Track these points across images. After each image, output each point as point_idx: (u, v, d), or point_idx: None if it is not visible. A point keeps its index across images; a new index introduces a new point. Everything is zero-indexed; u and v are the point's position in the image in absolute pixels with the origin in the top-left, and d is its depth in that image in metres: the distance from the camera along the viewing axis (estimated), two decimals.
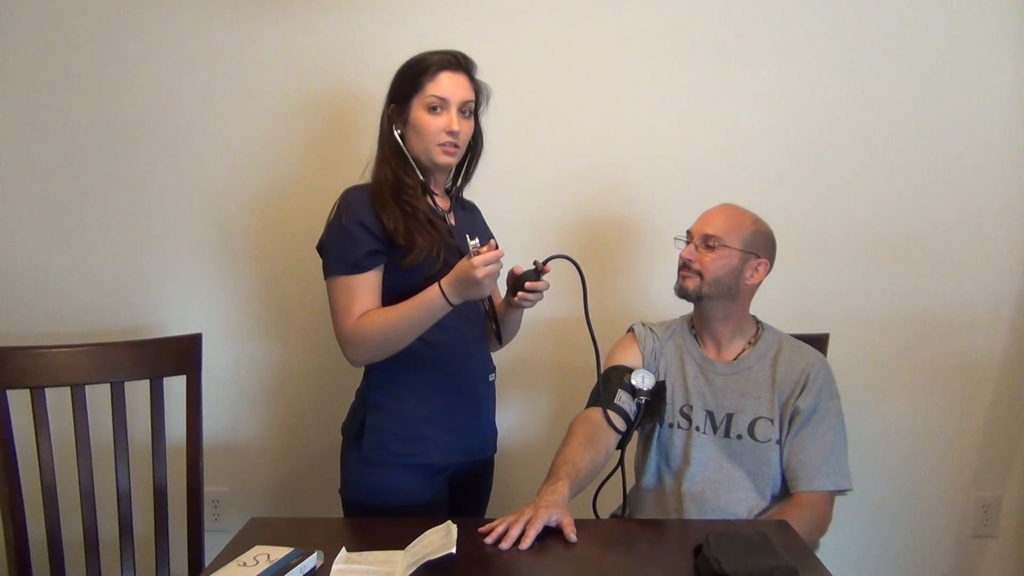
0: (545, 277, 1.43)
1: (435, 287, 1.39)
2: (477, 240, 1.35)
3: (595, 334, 1.45)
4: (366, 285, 1.46)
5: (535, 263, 1.43)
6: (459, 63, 1.50)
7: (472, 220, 1.66)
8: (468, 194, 1.68)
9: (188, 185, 2.05)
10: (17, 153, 2.04)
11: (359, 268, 1.45)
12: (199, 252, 2.07)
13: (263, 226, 2.06)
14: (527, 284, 1.42)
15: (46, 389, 1.58)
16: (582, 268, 1.42)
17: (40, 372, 1.58)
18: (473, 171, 1.62)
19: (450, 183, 1.63)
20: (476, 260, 1.33)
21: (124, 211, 2.06)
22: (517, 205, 2.03)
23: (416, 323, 1.42)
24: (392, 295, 1.47)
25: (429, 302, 1.40)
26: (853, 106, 2.01)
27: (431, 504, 1.51)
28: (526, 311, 1.54)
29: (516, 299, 1.46)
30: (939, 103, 2.00)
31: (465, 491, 1.62)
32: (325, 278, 1.49)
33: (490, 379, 1.62)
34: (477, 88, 1.53)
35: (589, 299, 1.44)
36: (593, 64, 2.02)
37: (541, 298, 1.46)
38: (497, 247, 1.36)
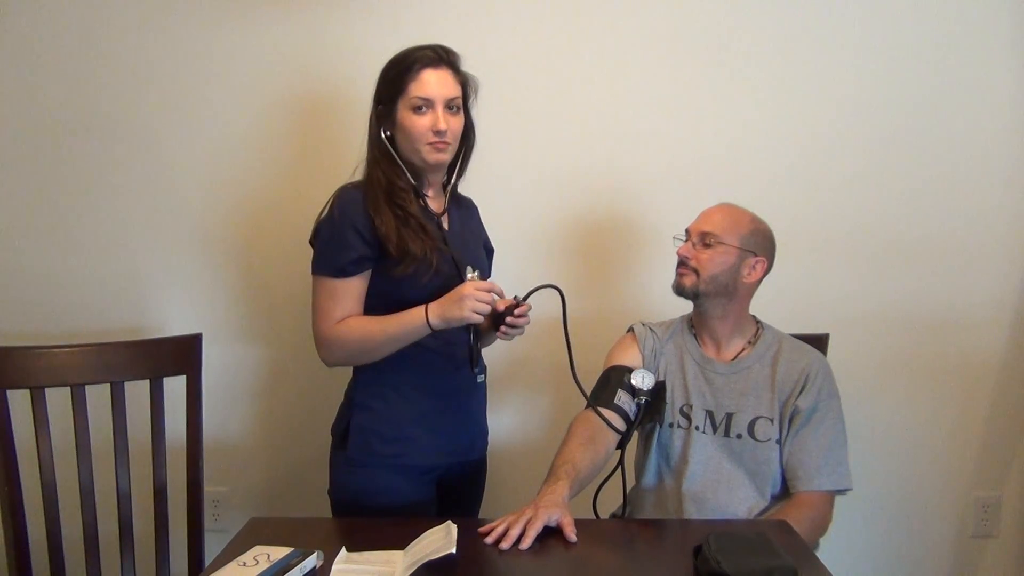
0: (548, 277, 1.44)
1: (421, 308, 1.40)
2: (476, 271, 1.40)
3: (571, 344, 1.46)
4: (349, 290, 1.45)
5: (515, 298, 1.43)
6: (441, 58, 1.46)
7: (468, 219, 1.64)
8: (467, 193, 1.68)
9: (187, 185, 2.05)
10: (15, 153, 2.04)
11: (343, 273, 1.44)
12: (199, 252, 2.07)
13: (262, 226, 2.06)
14: (508, 319, 1.42)
15: (46, 389, 1.58)
16: (563, 293, 1.43)
17: (40, 372, 1.58)
18: (467, 165, 1.60)
19: (445, 178, 1.59)
20: (470, 283, 1.37)
21: (123, 211, 2.06)
22: (517, 205, 2.03)
23: (395, 339, 1.43)
24: (382, 299, 1.46)
25: (410, 321, 1.41)
26: (853, 106, 2.01)
27: (418, 505, 1.51)
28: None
29: (500, 333, 1.45)
30: (939, 104, 2.00)
31: (457, 492, 1.61)
32: (312, 272, 1.49)
33: (479, 380, 1.61)
34: (463, 81, 1.50)
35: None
36: (592, 63, 2.02)
37: (521, 332, 1.45)
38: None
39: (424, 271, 1.44)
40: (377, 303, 1.47)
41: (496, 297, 1.41)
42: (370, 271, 1.47)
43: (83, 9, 2.00)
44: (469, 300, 1.36)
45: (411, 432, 1.51)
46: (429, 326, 1.40)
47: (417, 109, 1.45)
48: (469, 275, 1.39)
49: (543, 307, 1.48)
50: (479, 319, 1.39)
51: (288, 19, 2.00)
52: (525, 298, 1.42)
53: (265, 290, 2.09)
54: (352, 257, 1.44)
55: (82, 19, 2.00)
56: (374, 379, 1.51)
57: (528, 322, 1.44)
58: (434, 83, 1.45)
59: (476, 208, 1.69)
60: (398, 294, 1.45)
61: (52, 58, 2.01)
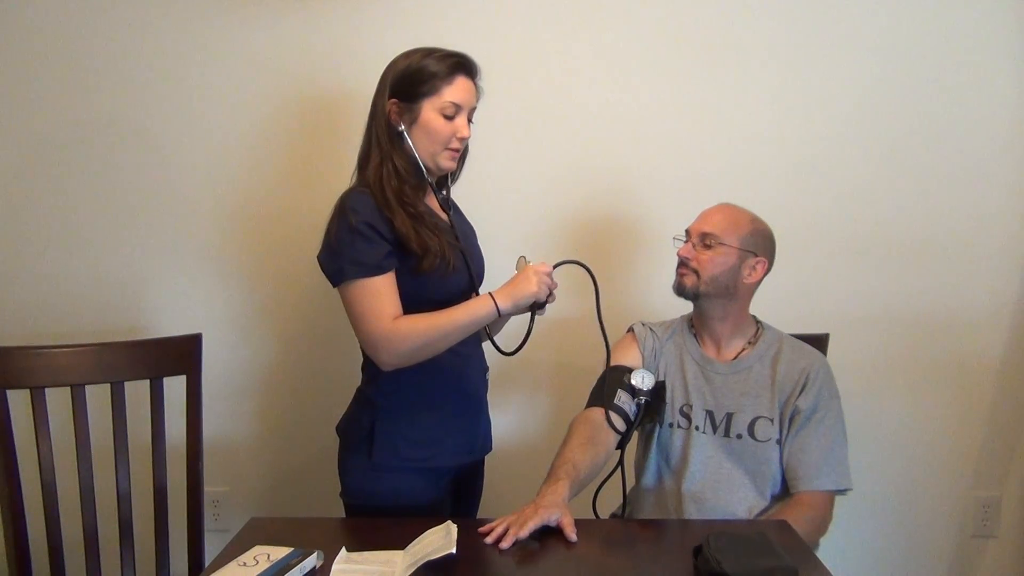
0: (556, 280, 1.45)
1: (484, 297, 1.41)
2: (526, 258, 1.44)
3: (607, 333, 1.46)
4: (390, 285, 1.42)
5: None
6: (472, 68, 1.49)
7: (462, 220, 1.64)
8: (467, 194, 1.68)
9: (187, 185, 2.05)
10: (15, 154, 2.04)
11: (381, 269, 1.41)
12: (199, 252, 2.08)
13: (262, 226, 2.06)
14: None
15: (46, 389, 1.58)
16: (594, 273, 1.43)
17: (40, 372, 1.58)
18: (460, 174, 1.60)
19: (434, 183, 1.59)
20: (529, 267, 1.41)
21: (123, 211, 2.06)
22: (516, 206, 2.03)
23: (465, 327, 1.42)
24: (409, 301, 1.43)
25: (477, 308, 1.41)
26: (854, 107, 2.01)
27: (436, 505, 1.51)
28: None
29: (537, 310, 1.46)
30: (940, 104, 2.00)
31: (463, 489, 1.62)
32: (340, 283, 1.43)
33: (486, 377, 1.63)
34: (478, 93, 1.52)
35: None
36: (593, 63, 2.02)
37: (553, 301, 1.47)
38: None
39: (444, 268, 1.44)
40: (405, 307, 1.44)
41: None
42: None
43: (81, 10, 2.00)
44: (535, 276, 1.41)
45: (437, 434, 1.51)
46: (498, 312, 1.40)
47: (447, 113, 1.45)
48: (530, 261, 1.43)
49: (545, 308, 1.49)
50: (546, 293, 1.43)
51: (290, 20, 2.00)
52: (554, 267, 1.45)
53: (265, 290, 2.09)
54: (383, 252, 1.41)
55: (81, 20, 2.00)
56: (395, 382, 1.49)
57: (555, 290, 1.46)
58: (468, 91, 1.47)
59: (459, 208, 1.68)
60: (424, 295, 1.44)
61: (51, 59, 2.01)
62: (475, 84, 1.49)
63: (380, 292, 1.40)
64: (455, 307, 1.41)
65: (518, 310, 1.43)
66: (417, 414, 1.50)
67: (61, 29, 2.00)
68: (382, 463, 1.48)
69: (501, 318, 1.43)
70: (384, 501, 1.49)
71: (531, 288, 1.41)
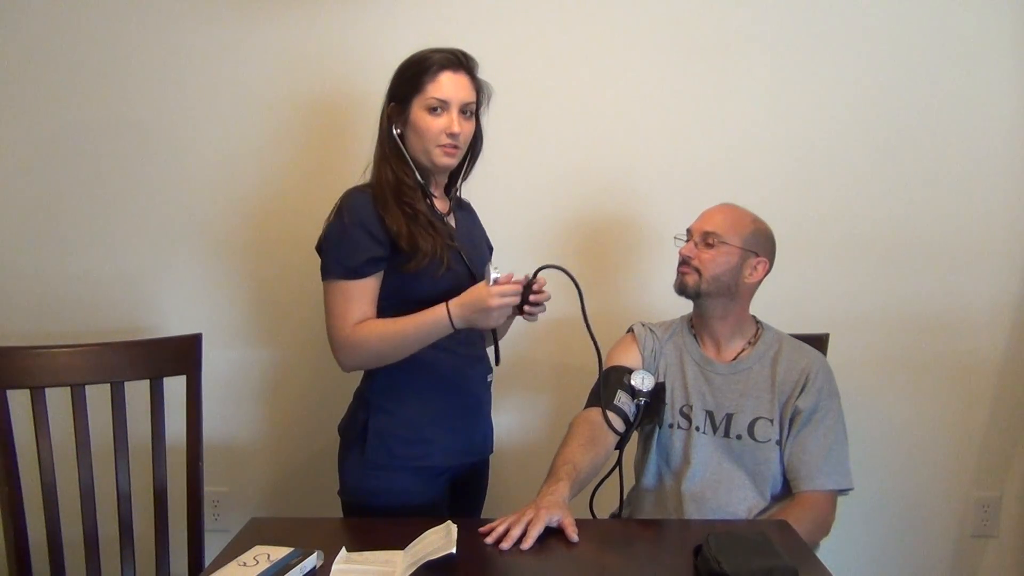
0: (548, 281, 1.42)
1: (442, 308, 1.39)
2: (498, 269, 1.35)
3: (595, 335, 1.45)
4: (363, 291, 1.44)
5: (526, 276, 1.40)
6: (460, 62, 1.48)
7: (470, 221, 1.65)
8: (467, 194, 1.68)
9: (188, 185, 2.05)
10: (16, 152, 2.04)
11: (357, 274, 1.44)
12: (199, 253, 2.07)
13: (262, 226, 2.06)
14: (530, 299, 1.39)
15: (46, 389, 1.58)
16: (574, 276, 1.40)
17: (40, 372, 1.58)
18: (471, 171, 1.61)
19: (446, 182, 1.61)
20: (494, 289, 1.34)
21: (124, 211, 2.06)
22: (517, 205, 2.03)
23: (415, 341, 1.42)
24: (395, 298, 1.46)
25: (432, 322, 1.40)
26: (854, 107, 2.01)
27: (432, 505, 1.51)
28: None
29: (525, 316, 1.42)
30: (939, 105, 2.00)
31: (464, 490, 1.62)
32: (322, 279, 1.48)
33: (488, 380, 1.62)
34: (478, 87, 1.51)
35: (590, 300, 1.44)
36: (594, 63, 2.02)
37: (544, 309, 1.43)
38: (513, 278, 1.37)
39: (436, 267, 1.44)
40: (390, 303, 1.46)
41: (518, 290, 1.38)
42: (382, 272, 1.46)
43: (83, 8, 2.00)
44: (495, 312, 1.36)
45: (430, 433, 1.51)
46: (453, 327, 1.39)
47: (432, 110, 1.45)
48: (493, 274, 1.35)
49: (546, 307, 1.48)
50: (504, 319, 1.40)
51: (297, 20, 2.00)
52: (535, 275, 1.40)
53: (266, 290, 2.09)
54: (364, 258, 1.43)
55: (82, 19, 2.00)
56: (390, 380, 1.50)
57: (549, 296, 1.41)
58: (452, 86, 1.46)
59: (474, 209, 1.70)
60: (411, 293, 1.45)
61: (53, 58, 2.01)
62: (470, 78, 1.49)
63: (351, 295, 1.44)
64: (411, 318, 1.41)
65: (476, 328, 1.42)
66: (411, 412, 1.50)
67: (62, 29, 2.00)
68: (375, 461, 1.49)
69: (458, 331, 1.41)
70: (378, 499, 1.49)
71: (488, 321, 1.38)
